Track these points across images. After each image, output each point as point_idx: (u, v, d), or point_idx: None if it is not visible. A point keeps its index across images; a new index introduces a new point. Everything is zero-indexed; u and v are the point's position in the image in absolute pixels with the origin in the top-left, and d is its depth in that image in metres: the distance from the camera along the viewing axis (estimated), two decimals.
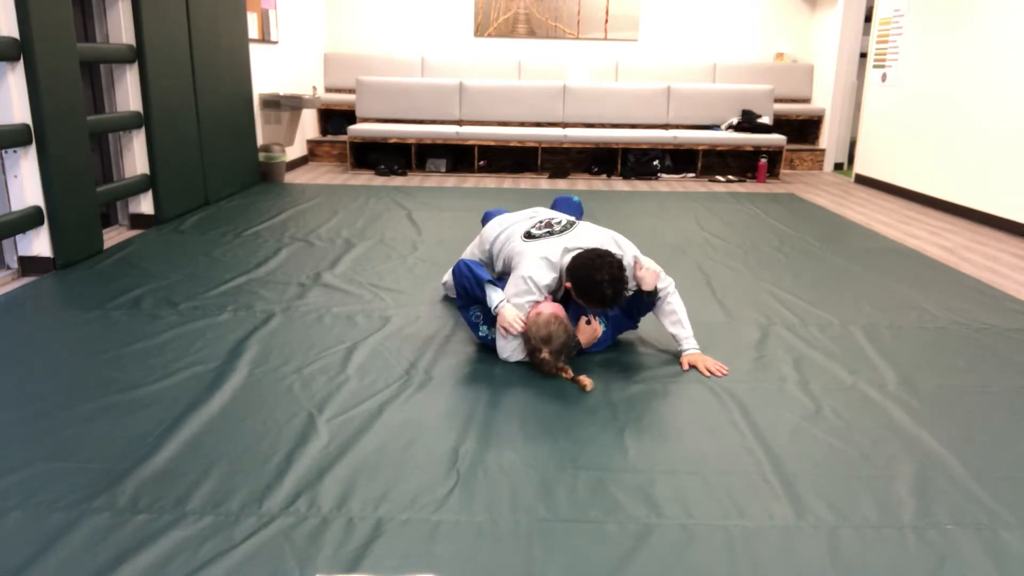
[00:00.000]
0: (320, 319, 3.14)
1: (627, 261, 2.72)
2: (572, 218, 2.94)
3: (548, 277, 2.64)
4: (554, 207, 3.59)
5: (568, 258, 2.65)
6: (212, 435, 2.16)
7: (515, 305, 2.62)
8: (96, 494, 1.85)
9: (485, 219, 3.51)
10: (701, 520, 1.81)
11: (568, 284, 2.58)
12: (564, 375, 2.57)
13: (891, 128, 6.91)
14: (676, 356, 2.80)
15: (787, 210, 5.81)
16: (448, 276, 3.41)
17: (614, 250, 2.72)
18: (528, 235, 2.82)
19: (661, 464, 2.06)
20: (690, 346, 2.77)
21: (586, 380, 2.51)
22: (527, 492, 1.91)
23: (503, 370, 2.67)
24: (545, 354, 2.55)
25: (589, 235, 2.77)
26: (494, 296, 2.65)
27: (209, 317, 3.13)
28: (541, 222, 2.90)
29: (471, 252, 3.24)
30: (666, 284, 2.78)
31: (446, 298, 3.44)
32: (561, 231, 2.79)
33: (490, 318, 2.72)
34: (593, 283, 2.48)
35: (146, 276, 3.70)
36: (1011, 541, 1.75)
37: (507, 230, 2.93)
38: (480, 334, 2.79)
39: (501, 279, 2.90)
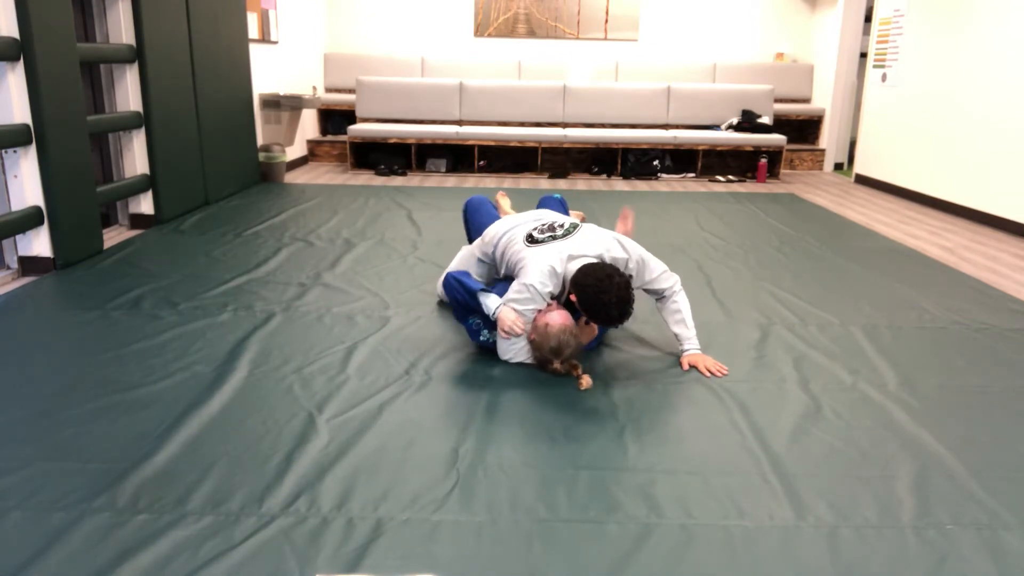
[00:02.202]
0: (320, 319, 3.14)
1: (633, 261, 2.71)
2: (576, 220, 2.91)
3: (551, 285, 2.63)
4: (540, 206, 3.57)
5: (572, 265, 2.62)
6: (212, 435, 2.16)
7: (517, 312, 2.61)
8: (96, 494, 1.85)
9: (467, 208, 3.46)
10: (701, 520, 1.81)
11: (573, 297, 2.55)
12: (573, 372, 2.59)
13: (891, 128, 6.91)
14: (676, 356, 2.80)
15: (787, 210, 5.81)
16: (440, 284, 3.39)
17: (619, 253, 2.71)
18: (531, 239, 2.79)
19: (661, 464, 2.06)
20: (691, 346, 2.77)
21: (586, 379, 2.52)
22: (527, 492, 1.91)
23: (503, 370, 2.67)
24: (556, 365, 2.56)
25: (593, 240, 2.74)
26: (489, 303, 2.64)
27: (209, 317, 3.13)
28: (544, 224, 2.86)
29: (469, 252, 3.22)
30: (672, 283, 2.78)
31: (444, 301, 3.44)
32: (564, 235, 2.76)
33: (490, 323, 2.72)
34: (601, 304, 2.47)
35: (146, 276, 3.70)
36: (1011, 541, 1.75)
37: (510, 232, 2.91)
38: (481, 339, 2.78)
39: (506, 280, 2.89)
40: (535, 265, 2.64)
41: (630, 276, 2.66)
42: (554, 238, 2.74)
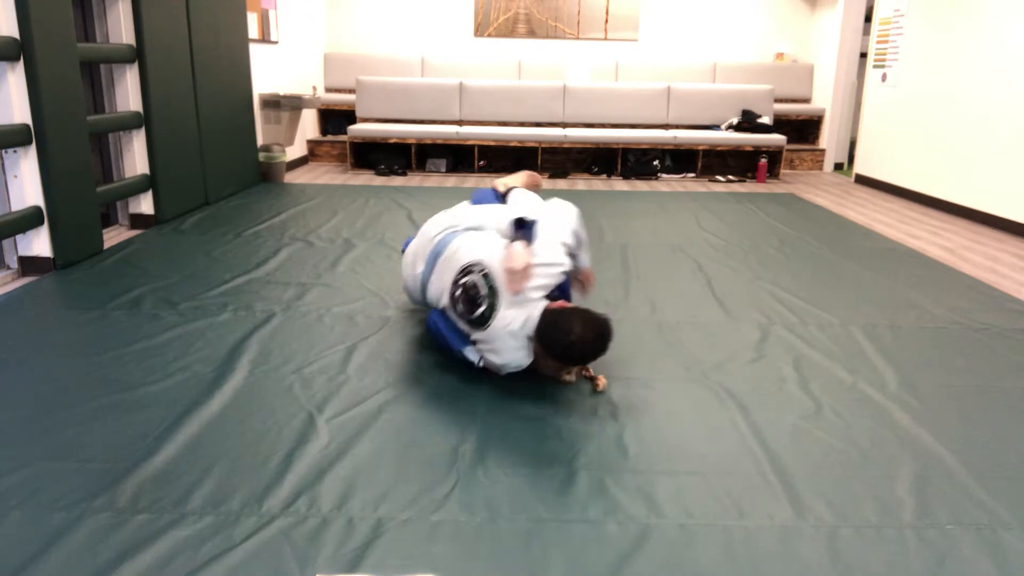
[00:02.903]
0: (320, 319, 3.14)
1: (566, 266, 2.52)
2: (488, 277, 2.48)
3: (526, 356, 2.45)
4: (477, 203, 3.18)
5: (529, 327, 2.39)
6: (212, 435, 2.16)
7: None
8: (96, 494, 1.85)
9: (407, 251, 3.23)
10: (701, 520, 1.81)
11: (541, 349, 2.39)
12: (587, 375, 2.59)
13: (891, 128, 6.91)
14: (675, 357, 2.80)
15: (787, 210, 5.81)
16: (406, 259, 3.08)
17: (552, 281, 2.48)
18: (467, 318, 2.51)
19: (661, 464, 2.06)
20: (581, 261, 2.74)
21: (602, 380, 2.53)
22: (527, 492, 1.91)
23: None
24: (568, 376, 2.55)
25: (525, 290, 2.43)
26: (474, 358, 2.55)
27: (209, 317, 3.13)
28: (460, 292, 2.52)
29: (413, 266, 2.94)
30: (577, 241, 2.64)
31: None
32: (491, 309, 2.44)
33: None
34: (578, 358, 2.34)
35: (146, 276, 3.70)
36: (1011, 541, 1.75)
37: (433, 276, 2.70)
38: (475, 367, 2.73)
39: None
40: (504, 353, 2.44)
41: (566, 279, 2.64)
42: (485, 320, 2.45)
